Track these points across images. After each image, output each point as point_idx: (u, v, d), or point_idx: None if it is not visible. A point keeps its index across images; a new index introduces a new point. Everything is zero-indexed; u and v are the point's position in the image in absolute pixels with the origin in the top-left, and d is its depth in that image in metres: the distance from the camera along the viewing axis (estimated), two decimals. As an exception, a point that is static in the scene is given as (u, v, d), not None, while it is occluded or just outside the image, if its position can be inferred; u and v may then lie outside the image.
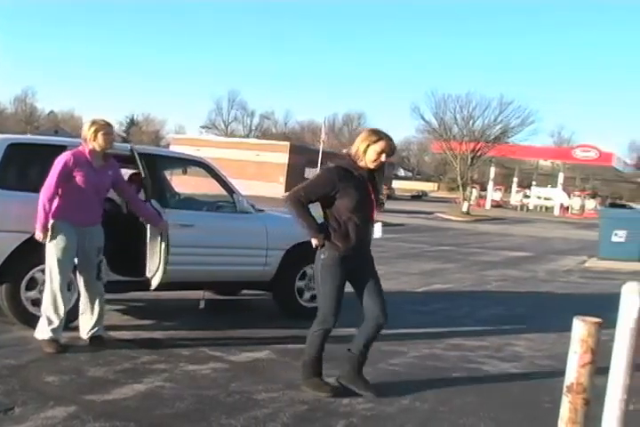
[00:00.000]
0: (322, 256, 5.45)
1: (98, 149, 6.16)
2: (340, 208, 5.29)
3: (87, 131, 6.14)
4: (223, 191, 7.95)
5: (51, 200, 5.97)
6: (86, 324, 6.34)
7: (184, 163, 8.67)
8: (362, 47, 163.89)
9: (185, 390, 5.31)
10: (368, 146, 5.26)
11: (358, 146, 5.30)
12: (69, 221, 6.03)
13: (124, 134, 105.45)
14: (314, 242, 5.42)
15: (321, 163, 65.79)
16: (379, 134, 5.33)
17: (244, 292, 9.24)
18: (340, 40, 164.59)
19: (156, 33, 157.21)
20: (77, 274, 6.29)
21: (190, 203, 8.43)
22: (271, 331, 7.57)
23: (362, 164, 5.32)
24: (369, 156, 5.27)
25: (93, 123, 6.17)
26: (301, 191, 5.33)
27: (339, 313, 5.52)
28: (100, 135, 6.10)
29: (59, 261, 6.01)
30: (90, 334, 6.34)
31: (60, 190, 6.02)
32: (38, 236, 5.97)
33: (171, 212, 7.26)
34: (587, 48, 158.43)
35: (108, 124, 6.27)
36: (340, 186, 5.23)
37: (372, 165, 5.33)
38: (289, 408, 5.05)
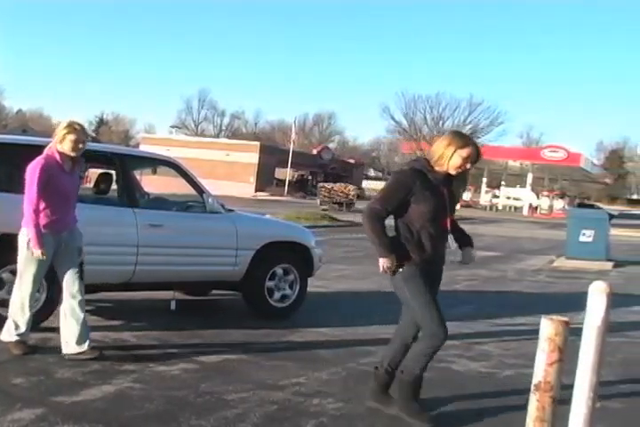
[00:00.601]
0: (399, 270, 4.91)
1: (66, 151, 5.92)
2: (414, 215, 4.88)
3: (59, 131, 5.91)
4: (193, 191, 7.94)
5: (37, 211, 5.75)
6: (71, 332, 5.98)
7: (153, 162, 8.64)
8: (333, 46, 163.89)
9: (154, 391, 5.29)
10: (455, 151, 4.84)
11: (444, 151, 4.87)
12: (49, 231, 5.84)
13: (94, 134, 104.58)
14: (382, 263, 4.85)
15: (291, 163, 66.10)
16: (466, 139, 4.96)
17: (214, 292, 9.22)
18: (311, 39, 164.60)
19: (125, 32, 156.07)
20: (61, 277, 6.05)
21: (160, 203, 8.41)
22: (241, 331, 7.56)
23: (440, 168, 4.92)
24: (454, 161, 4.86)
25: (68, 125, 5.91)
26: (376, 204, 4.90)
27: (445, 323, 4.91)
28: (67, 140, 5.87)
29: (33, 270, 5.88)
30: (85, 347, 5.99)
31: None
32: (37, 253, 5.75)
33: (140, 212, 7.24)
34: (554, 49, 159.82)
35: (82, 131, 6.00)
36: (416, 189, 4.83)
37: (453, 171, 4.92)
38: (259, 408, 5.04)
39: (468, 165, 4.92)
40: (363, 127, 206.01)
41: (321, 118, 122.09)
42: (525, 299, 11.79)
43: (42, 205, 5.81)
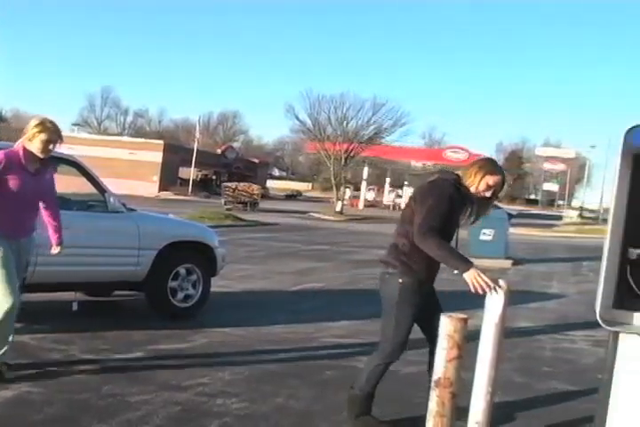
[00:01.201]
0: (399, 280, 4.82)
1: (34, 151, 5.38)
2: None
3: (30, 129, 5.34)
4: (94, 190, 7.80)
5: None
6: None
7: (54, 161, 8.45)
8: (238, 44, 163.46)
9: (55, 394, 5.18)
10: (484, 176, 4.80)
11: (474, 173, 4.82)
12: (1, 234, 5.36)
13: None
14: (472, 277, 4.37)
15: (195, 162, 65.60)
16: (497, 168, 4.93)
17: (117, 292, 9.08)
18: (215, 37, 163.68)
19: (27, 25, 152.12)
20: None
21: (60, 202, 8.22)
22: (144, 332, 7.47)
23: (469, 188, 4.85)
24: (479, 185, 4.82)
25: (40, 123, 5.36)
26: (432, 222, 4.61)
27: (404, 348, 4.96)
28: (38, 139, 5.33)
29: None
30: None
31: None
32: None
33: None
34: (455, 50, 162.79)
35: (55, 131, 5.43)
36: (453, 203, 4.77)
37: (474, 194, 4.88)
38: (162, 410, 5.00)
39: (488, 194, 4.88)
40: (267, 126, 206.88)
41: (225, 117, 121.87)
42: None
43: None
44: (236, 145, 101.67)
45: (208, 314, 8.52)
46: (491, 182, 4.82)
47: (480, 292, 4.26)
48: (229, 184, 46.64)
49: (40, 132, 5.34)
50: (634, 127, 3.93)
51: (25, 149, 5.41)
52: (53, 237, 5.94)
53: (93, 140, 69.13)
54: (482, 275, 4.29)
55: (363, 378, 5.00)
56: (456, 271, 4.50)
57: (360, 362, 6.89)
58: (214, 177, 78.68)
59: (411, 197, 5.05)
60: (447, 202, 4.71)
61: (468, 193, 4.85)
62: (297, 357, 6.97)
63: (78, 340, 6.93)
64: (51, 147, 5.44)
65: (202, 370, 6.10)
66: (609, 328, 4.03)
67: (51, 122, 5.46)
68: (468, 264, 4.43)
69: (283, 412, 5.20)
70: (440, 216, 4.65)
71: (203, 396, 5.41)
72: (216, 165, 76.60)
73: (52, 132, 5.40)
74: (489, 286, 4.25)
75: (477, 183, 4.81)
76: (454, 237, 5.08)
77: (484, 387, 4.04)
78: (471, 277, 4.33)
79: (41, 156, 5.44)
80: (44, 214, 5.85)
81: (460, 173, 4.96)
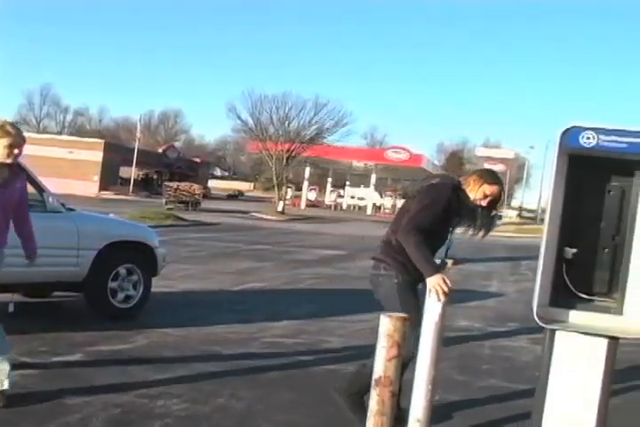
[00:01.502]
0: (394, 281, 4.86)
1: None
2: (426, 226, 4.71)
3: None
4: (32, 190, 7.69)
5: None
6: None
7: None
8: (180, 42, 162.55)
9: (-9, 398, 5.09)
10: (482, 185, 4.92)
11: (473, 181, 4.95)
12: None
13: None
14: (433, 282, 4.42)
15: (136, 161, 65.01)
16: (496, 179, 5.04)
17: (56, 293, 8.97)
18: (157, 35, 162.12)
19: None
20: None
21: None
22: (84, 333, 7.38)
23: (468, 194, 4.96)
24: (477, 194, 4.93)
25: (0, 127, 4.85)
26: (421, 221, 4.68)
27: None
28: (0, 145, 4.82)
29: None
30: None
31: None
32: None
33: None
34: (398, 49, 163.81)
35: (18, 134, 4.93)
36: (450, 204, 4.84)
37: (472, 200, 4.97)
38: (102, 412, 4.95)
39: (484, 202, 4.96)
40: (209, 126, 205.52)
41: (167, 116, 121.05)
42: (368, 296, 12.01)
43: None
44: (177, 144, 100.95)
45: (149, 315, 8.46)
46: (488, 192, 4.93)
47: (435, 298, 4.35)
48: (171, 184, 46.36)
49: (1, 137, 4.84)
50: (569, 128, 4.01)
51: None
52: (27, 248, 5.65)
53: (32, 138, 67.42)
54: (443, 284, 4.37)
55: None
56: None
57: (301, 361, 6.92)
58: (155, 177, 78.14)
59: (409, 198, 5.16)
60: (442, 204, 4.78)
61: (467, 199, 4.94)
62: (238, 357, 6.96)
63: (16, 342, 6.79)
64: (16, 151, 4.93)
65: (143, 371, 6.05)
66: (545, 326, 4.10)
67: (11, 124, 5.00)
68: (434, 270, 4.51)
69: (224, 412, 5.19)
70: (432, 217, 4.73)
71: (143, 397, 5.37)
72: (157, 164, 76.05)
73: (14, 136, 4.91)
74: (445, 293, 4.33)
75: (475, 191, 4.93)
76: (448, 241, 5.12)
77: (424, 385, 4.08)
78: (433, 283, 4.40)
79: (8, 161, 4.91)
80: (15, 224, 5.46)
81: (461, 179, 5.09)
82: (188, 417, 5.02)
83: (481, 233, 5.15)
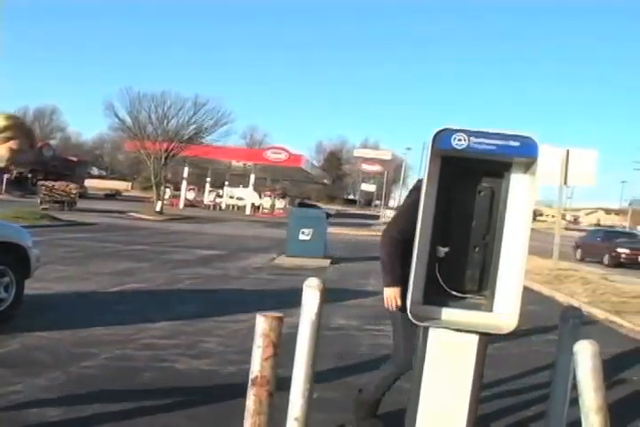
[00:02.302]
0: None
1: None
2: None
3: None
4: None
5: None
6: None
7: None
8: (55, 37, 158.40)
9: None
10: None
11: None
12: None
13: None
14: (388, 293, 4.78)
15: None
16: None
17: None
18: (33, 29, 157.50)
19: None
20: None
21: None
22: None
23: None
24: None
25: None
26: (400, 226, 4.80)
27: None
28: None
29: None
30: None
31: None
32: None
33: None
34: (279, 49, 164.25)
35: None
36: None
37: None
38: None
39: None
40: (86, 124, 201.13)
41: (42, 113, 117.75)
42: (247, 296, 12.04)
43: None
44: (53, 142, 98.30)
45: (23, 318, 8.23)
46: None
47: (387, 307, 4.80)
48: (46, 183, 45.12)
49: None
50: (442, 130, 4.12)
51: None
52: None
53: None
54: (396, 298, 4.72)
55: (373, 385, 5.18)
56: None
57: (178, 362, 6.88)
58: (30, 175, 75.84)
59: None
60: (416, 206, 4.67)
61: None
62: (115, 359, 6.86)
63: None
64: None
65: (15, 377, 5.88)
66: (419, 323, 4.21)
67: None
68: (393, 283, 4.76)
69: (102, 417, 5.11)
70: (412, 219, 4.54)
71: (17, 404, 5.22)
72: (32, 162, 73.82)
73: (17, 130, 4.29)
74: (396, 306, 4.73)
75: None
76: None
77: (302, 384, 4.12)
78: (388, 294, 4.77)
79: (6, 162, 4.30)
80: None
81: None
82: (64, 423, 4.92)
83: None
